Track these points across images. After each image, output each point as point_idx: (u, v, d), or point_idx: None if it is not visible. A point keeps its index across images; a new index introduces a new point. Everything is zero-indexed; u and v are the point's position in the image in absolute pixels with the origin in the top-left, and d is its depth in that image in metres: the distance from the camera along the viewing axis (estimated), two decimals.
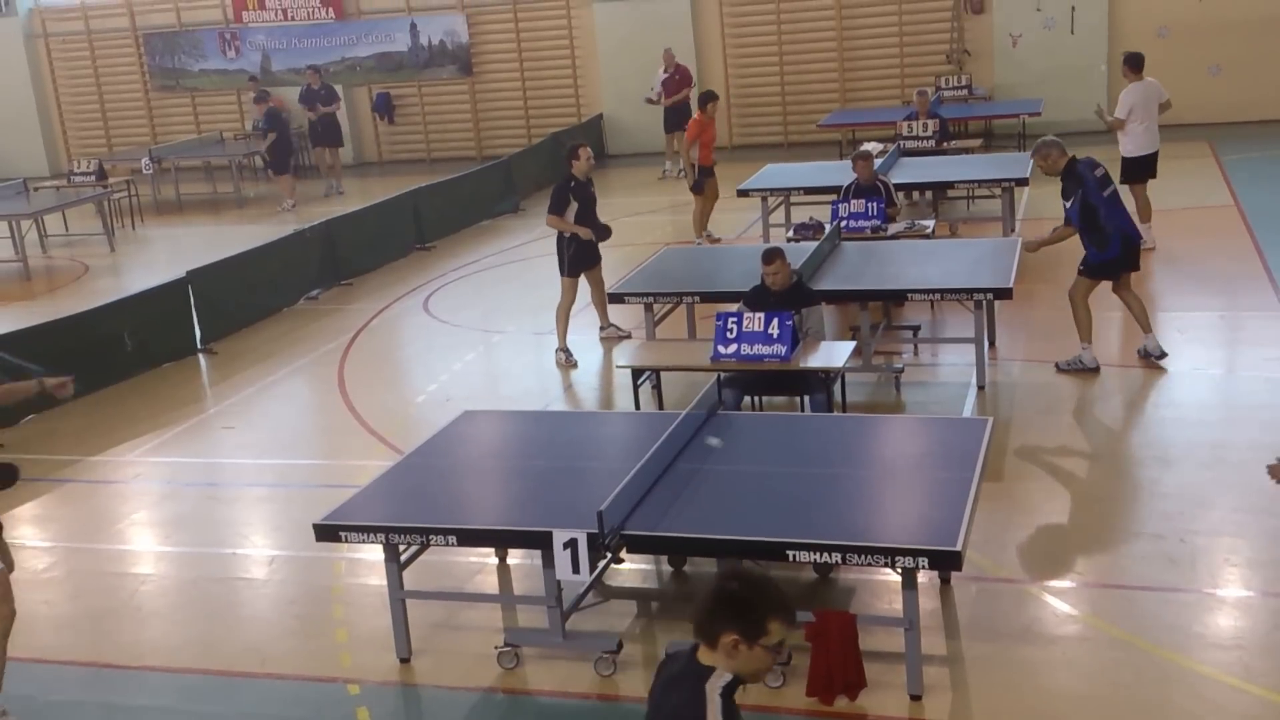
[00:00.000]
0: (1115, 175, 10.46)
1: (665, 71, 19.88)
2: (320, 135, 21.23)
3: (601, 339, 11.57)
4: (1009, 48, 20.66)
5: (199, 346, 12.48)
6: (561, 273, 11.16)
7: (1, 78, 25.37)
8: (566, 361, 10.97)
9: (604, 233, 11.25)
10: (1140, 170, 13.04)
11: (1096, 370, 9.58)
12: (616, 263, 11.68)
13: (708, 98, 14.96)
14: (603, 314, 11.59)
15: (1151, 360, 9.68)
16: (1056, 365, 9.72)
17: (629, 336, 11.44)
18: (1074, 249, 9.42)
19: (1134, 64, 13.07)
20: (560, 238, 11.13)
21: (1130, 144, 13.00)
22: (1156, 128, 13.07)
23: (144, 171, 20.58)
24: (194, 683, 6.51)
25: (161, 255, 17.42)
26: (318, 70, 21.55)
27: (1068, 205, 9.52)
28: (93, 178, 19.04)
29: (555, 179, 19.89)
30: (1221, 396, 9.26)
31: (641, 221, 16.70)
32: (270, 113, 19.92)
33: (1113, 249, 9.42)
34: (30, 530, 8.77)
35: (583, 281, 11.27)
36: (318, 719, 6.11)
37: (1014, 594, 6.64)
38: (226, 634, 6.99)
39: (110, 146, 25.11)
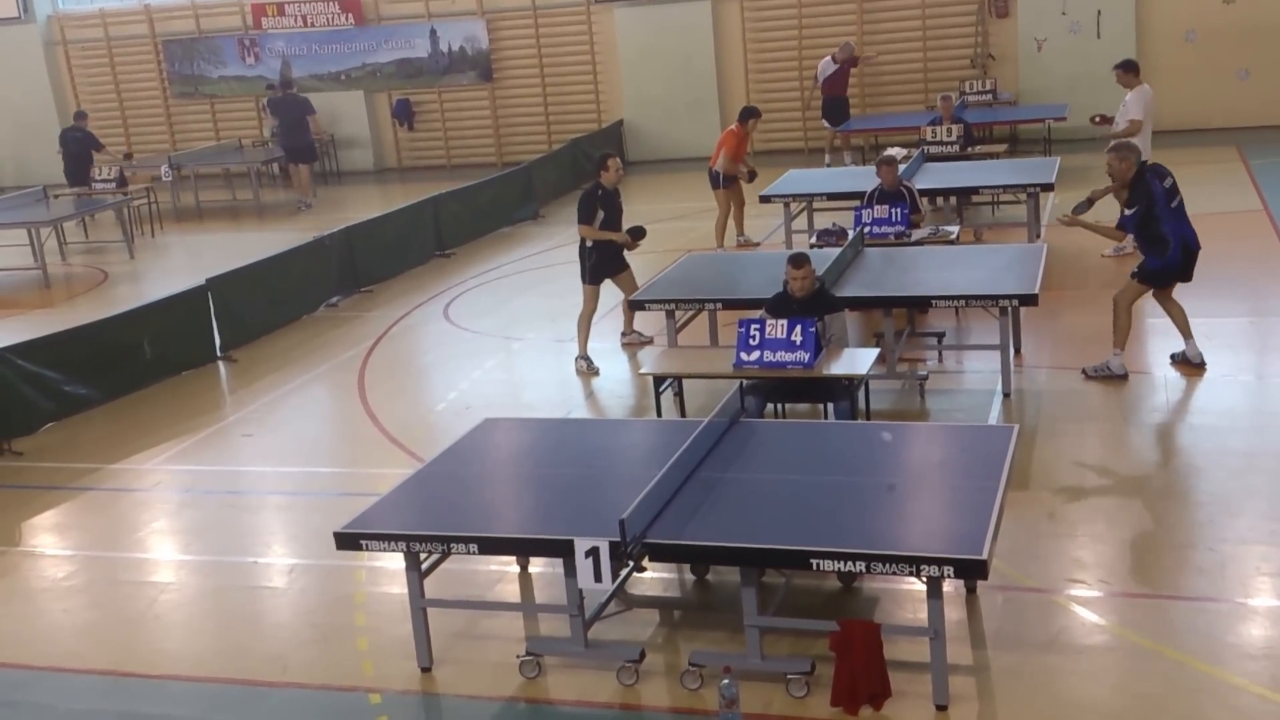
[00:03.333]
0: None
1: (835, 63, 19.77)
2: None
3: (624, 344, 11.51)
4: (1034, 52, 20.52)
5: (219, 354, 12.48)
6: (584, 281, 11.10)
7: (21, 84, 25.48)
8: (588, 369, 10.92)
9: (638, 233, 11.14)
10: None
11: (1125, 378, 9.47)
12: (638, 270, 11.63)
13: (750, 114, 14.97)
14: (629, 319, 11.53)
15: (1190, 366, 9.57)
16: (1084, 372, 9.61)
17: (650, 341, 11.39)
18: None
19: (1135, 69, 13.02)
20: (583, 245, 11.07)
21: (1146, 149, 12.74)
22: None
23: (163, 178, 20.65)
24: (215, 692, 6.49)
25: (181, 262, 17.46)
26: (285, 84, 21.30)
27: (1128, 212, 9.34)
28: (112, 185, 19.10)
29: (575, 185, 20.15)
30: (1252, 403, 9.15)
31: (664, 228, 16.64)
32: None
33: (1173, 256, 9.29)
34: (51, 538, 8.77)
35: (605, 290, 11.19)
36: None
37: (1040, 603, 6.56)
38: (247, 643, 6.96)
39: (130, 153, 25.18)
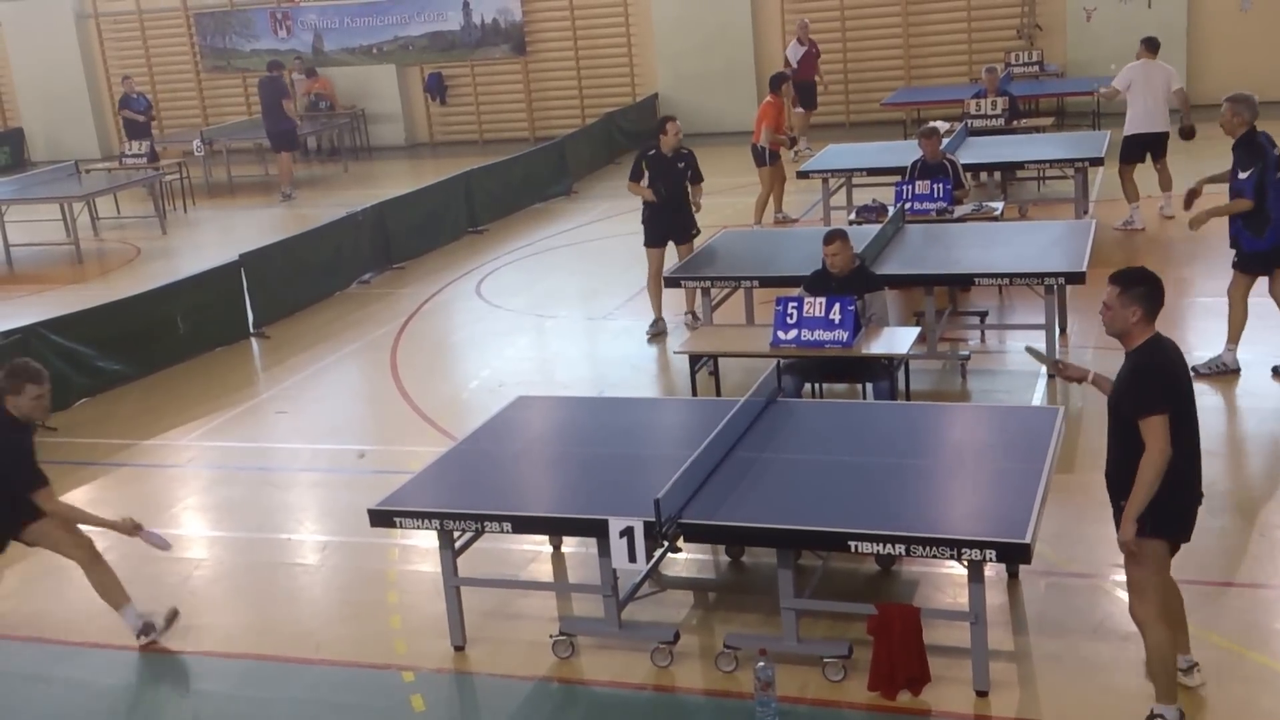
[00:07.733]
0: None
1: (803, 45, 19.54)
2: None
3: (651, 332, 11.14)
4: (1083, 22, 20.12)
5: (252, 330, 12.47)
6: (644, 244, 11.00)
7: (53, 58, 25.51)
8: (654, 334, 10.77)
9: (661, 195, 10.77)
10: (1135, 150, 13.10)
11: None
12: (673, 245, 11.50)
13: (782, 79, 14.80)
14: (656, 302, 11.10)
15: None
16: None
17: (696, 323, 10.81)
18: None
19: (1150, 46, 13.24)
20: (643, 206, 10.98)
21: (1129, 122, 13.10)
22: (1163, 109, 13.05)
23: (195, 153, 20.66)
24: (248, 668, 6.48)
25: (213, 238, 17.47)
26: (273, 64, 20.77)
27: (1243, 176, 8.70)
28: (144, 160, 19.10)
29: (609, 160, 20.03)
30: None
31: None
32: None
33: (1269, 238, 8.67)
34: None
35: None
36: (372, 705, 6.05)
37: (1085, 589, 6.45)
38: (280, 619, 6.95)
39: (161, 128, 25.14)
